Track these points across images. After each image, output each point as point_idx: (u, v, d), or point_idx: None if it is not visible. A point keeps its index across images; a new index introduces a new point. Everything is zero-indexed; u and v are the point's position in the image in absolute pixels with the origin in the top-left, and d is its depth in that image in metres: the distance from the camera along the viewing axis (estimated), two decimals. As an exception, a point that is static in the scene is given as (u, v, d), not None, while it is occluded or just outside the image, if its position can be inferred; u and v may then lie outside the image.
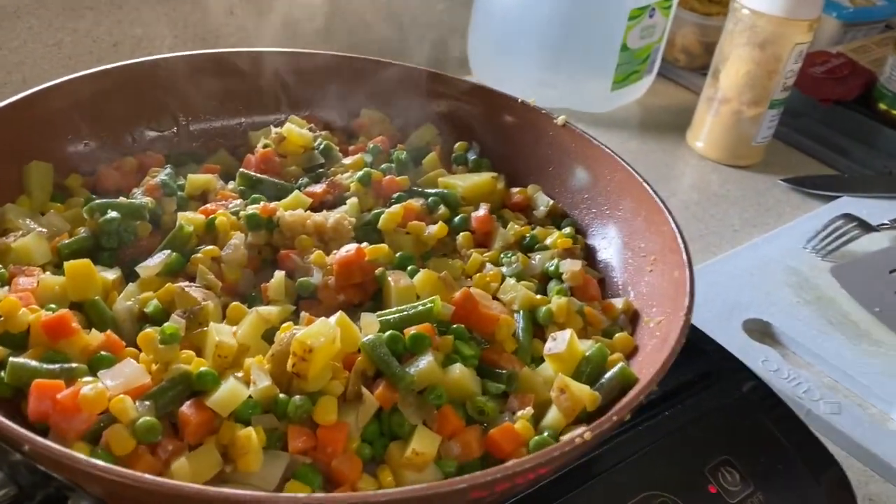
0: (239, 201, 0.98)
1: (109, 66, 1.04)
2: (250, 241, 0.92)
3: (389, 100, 1.17)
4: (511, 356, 0.84)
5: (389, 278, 0.87)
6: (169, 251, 0.88)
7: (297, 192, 0.99)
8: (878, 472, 1.03)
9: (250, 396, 0.73)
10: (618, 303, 0.93)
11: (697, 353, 1.03)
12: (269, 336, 0.80)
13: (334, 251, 0.90)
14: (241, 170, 1.03)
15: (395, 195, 1.03)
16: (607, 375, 0.80)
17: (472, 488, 0.59)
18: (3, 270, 0.82)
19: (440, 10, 1.88)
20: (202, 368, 0.73)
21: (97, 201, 0.91)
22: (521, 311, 0.89)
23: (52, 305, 0.79)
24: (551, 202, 1.08)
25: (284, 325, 0.79)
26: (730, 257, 1.40)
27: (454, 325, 0.83)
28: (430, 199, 1.03)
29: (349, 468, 0.72)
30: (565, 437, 0.72)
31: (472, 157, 1.14)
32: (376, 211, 0.98)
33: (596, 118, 1.81)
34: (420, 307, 0.82)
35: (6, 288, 0.80)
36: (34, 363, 0.72)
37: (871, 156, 1.74)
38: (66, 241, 0.89)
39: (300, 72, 1.15)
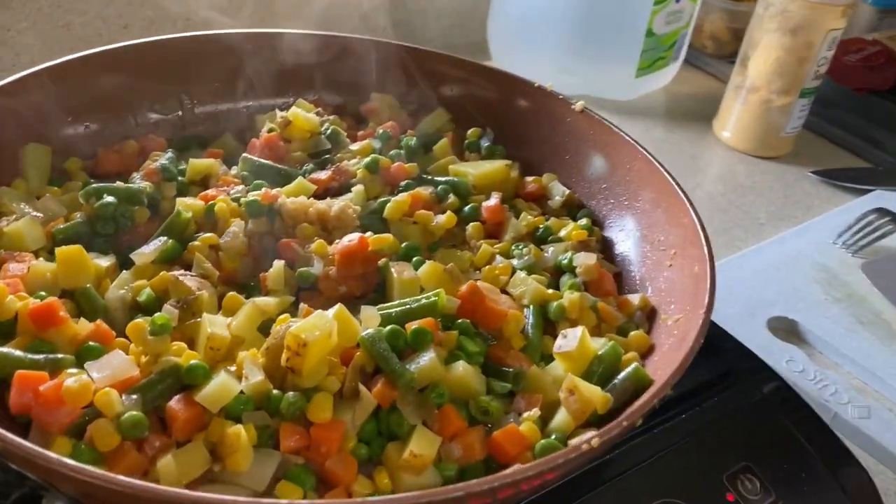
0: (241, 187, 0.94)
1: (111, 46, 1.00)
2: (251, 228, 0.88)
3: (401, 84, 1.13)
4: (519, 354, 0.80)
5: (393, 270, 0.83)
6: (165, 238, 0.85)
7: (300, 178, 0.95)
8: (908, 481, 0.98)
9: (242, 392, 0.69)
10: (634, 299, 0.89)
11: (717, 352, 0.98)
12: (266, 328, 0.76)
13: (337, 240, 0.86)
14: (244, 154, 0.99)
15: (403, 183, 0.99)
16: (620, 376, 0.76)
17: (469, 496, 0.55)
18: (-7, 256, 0.80)
19: (460, -7, 1.83)
20: (192, 361, 0.70)
21: (93, 185, 0.88)
22: (532, 307, 0.85)
23: (42, 293, 0.76)
24: (567, 192, 1.04)
25: (281, 316, 0.75)
26: (755, 252, 1.34)
27: (459, 320, 0.79)
28: (439, 188, 0.99)
29: (343, 469, 0.68)
30: (573, 442, 0.68)
31: (485, 143, 1.10)
32: (382, 199, 0.94)
33: (619, 106, 1.76)
34: (423, 300, 0.78)
35: (-4, 274, 0.78)
36: (18, 353, 0.69)
37: (907, 148, 1.68)
38: (61, 227, 0.86)
39: (309, 54, 1.11)
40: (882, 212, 1.40)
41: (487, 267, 0.90)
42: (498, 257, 0.92)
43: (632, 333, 0.83)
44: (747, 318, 1.18)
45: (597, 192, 1.04)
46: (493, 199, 0.98)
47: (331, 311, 0.73)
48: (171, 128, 1.06)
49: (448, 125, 1.14)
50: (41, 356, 0.69)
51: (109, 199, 0.86)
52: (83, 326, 0.73)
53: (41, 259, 0.81)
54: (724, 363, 0.97)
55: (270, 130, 1.03)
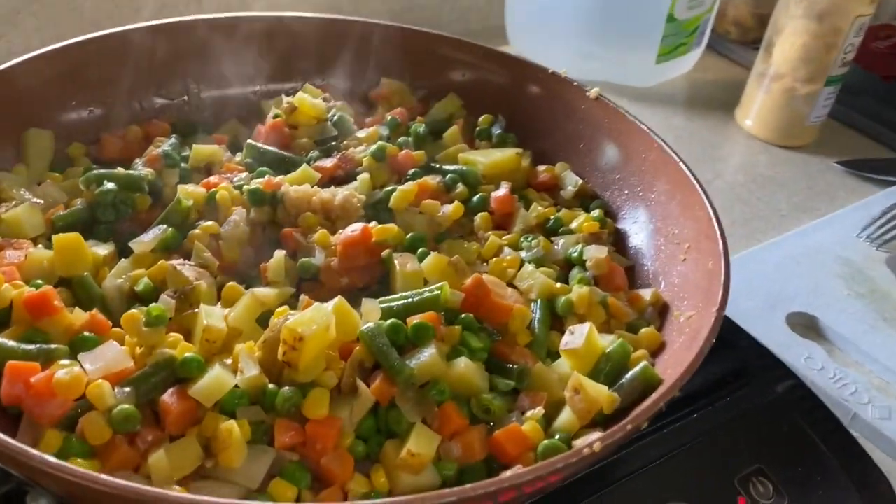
0: (245, 174, 0.93)
1: (116, 29, 0.99)
2: (253, 217, 0.87)
3: (411, 68, 1.11)
4: (524, 350, 0.77)
5: (396, 261, 0.81)
6: (165, 226, 0.83)
7: (305, 165, 0.93)
8: (930, 486, 0.95)
9: (237, 386, 0.68)
10: (646, 294, 0.86)
11: (732, 349, 0.95)
12: (266, 320, 0.74)
13: (340, 230, 0.84)
14: (248, 141, 0.97)
15: (410, 171, 0.97)
16: (628, 375, 0.73)
17: (462, 502, 0.53)
18: (-9, 243, 0.79)
19: (478, -23, 1.80)
20: (187, 354, 0.68)
21: (94, 172, 0.87)
22: (539, 301, 0.82)
23: (39, 281, 0.75)
24: (580, 182, 1.01)
25: (279, 309, 0.73)
26: (776, 244, 1.30)
27: (463, 315, 0.77)
28: (447, 177, 0.96)
29: (339, 467, 0.66)
30: (576, 444, 0.66)
31: (496, 131, 1.07)
32: (388, 188, 0.92)
33: (639, 93, 1.72)
34: (426, 294, 0.76)
35: (-7, 261, 0.76)
36: (11, 343, 0.67)
37: (937, 138, 1.62)
38: (61, 213, 0.84)
39: (319, 38, 1.09)
40: (909, 204, 1.36)
41: (495, 259, 0.87)
42: (506, 249, 0.90)
43: (642, 330, 0.80)
44: (766, 313, 1.15)
45: (611, 182, 1.01)
46: (503, 189, 0.95)
47: (330, 304, 0.71)
48: (177, 113, 1.05)
49: (460, 111, 1.11)
50: (33, 346, 0.68)
51: (109, 185, 0.85)
52: (78, 316, 0.72)
53: (40, 246, 0.80)
54: (738, 361, 0.94)
55: (276, 116, 1.01)
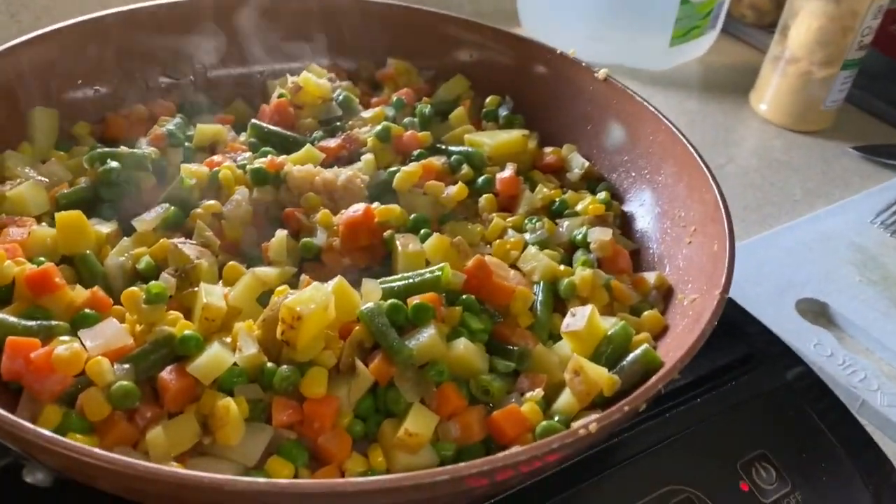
0: (248, 154, 0.92)
1: (123, 8, 0.98)
2: (255, 197, 0.86)
3: (418, 49, 1.10)
4: (525, 332, 0.77)
5: (398, 242, 0.81)
6: (167, 205, 0.83)
7: (309, 146, 0.93)
8: (938, 474, 0.93)
9: (235, 364, 0.68)
10: (650, 277, 0.85)
11: (740, 335, 0.94)
12: (268, 300, 0.74)
13: (343, 211, 0.84)
14: (252, 121, 0.97)
15: (415, 152, 0.96)
16: (629, 358, 0.72)
17: (455, 480, 0.53)
18: (-6, 220, 0.79)
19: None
20: (185, 332, 0.68)
21: (98, 150, 0.87)
22: (542, 283, 0.82)
23: (41, 258, 0.75)
24: (587, 164, 1.00)
25: (279, 288, 0.73)
26: (787, 230, 1.29)
27: (464, 296, 0.76)
28: (452, 158, 0.96)
29: (337, 446, 0.66)
30: (574, 426, 0.65)
31: (503, 112, 1.06)
32: (392, 169, 0.91)
33: (653, 76, 1.70)
34: (427, 275, 0.75)
35: (-4, 238, 0.77)
36: (12, 319, 0.68)
37: (956, 124, 1.59)
38: (65, 192, 0.85)
39: (325, 17, 1.08)
40: (925, 190, 1.34)
41: (498, 241, 0.87)
42: (510, 231, 0.89)
43: (645, 313, 0.80)
44: (775, 298, 1.13)
45: (618, 164, 1.00)
46: (508, 171, 0.94)
47: (330, 284, 0.71)
48: (183, 93, 1.04)
49: (467, 92, 1.10)
50: (34, 323, 0.68)
51: (113, 164, 0.85)
52: (79, 293, 0.72)
53: (44, 224, 0.80)
54: (746, 346, 0.93)
55: (281, 96, 1.00)
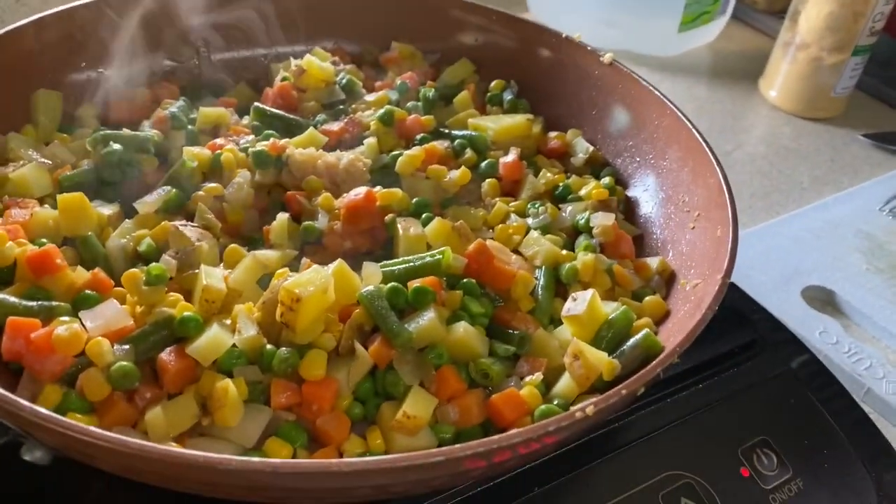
0: (251, 137, 0.92)
1: (125, -10, 0.98)
2: (257, 180, 0.86)
3: (422, 32, 1.09)
4: (525, 316, 0.76)
5: (399, 225, 0.80)
6: (169, 187, 0.83)
7: (311, 129, 0.92)
8: (943, 463, 0.93)
9: (235, 346, 0.68)
10: (653, 262, 0.84)
11: (745, 322, 0.93)
12: (268, 283, 0.74)
13: (345, 194, 0.83)
14: (255, 104, 0.96)
15: (418, 136, 0.96)
16: (630, 343, 0.72)
17: (451, 462, 0.53)
18: (-3, 202, 0.79)
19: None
20: (185, 313, 0.68)
21: (101, 132, 0.87)
22: (544, 268, 0.81)
23: (43, 240, 0.75)
24: (591, 149, 0.99)
25: (280, 271, 0.73)
26: (795, 217, 1.28)
27: (465, 280, 0.76)
28: (456, 142, 0.95)
29: (335, 428, 0.66)
30: (573, 409, 0.65)
31: (508, 97, 1.05)
32: (395, 153, 0.91)
33: (662, 62, 1.69)
34: (428, 258, 0.75)
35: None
36: (12, 299, 0.68)
37: (968, 111, 1.57)
38: (68, 174, 0.85)
39: (330, 0, 1.08)
40: (935, 178, 1.33)
41: (500, 226, 0.86)
42: (513, 216, 0.89)
43: (647, 298, 0.79)
44: (781, 286, 1.13)
45: (622, 149, 0.99)
46: (511, 155, 0.94)
47: (330, 267, 0.71)
48: (187, 75, 1.04)
49: (472, 76, 1.10)
50: (35, 303, 0.68)
51: (116, 146, 0.85)
52: (80, 275, 0.72)
53: (46, 206, 0.80)
54: (750, 333, 0.92)
55: (284, 79, 1.00)
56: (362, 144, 0.93)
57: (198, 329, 0.68)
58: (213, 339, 0.67)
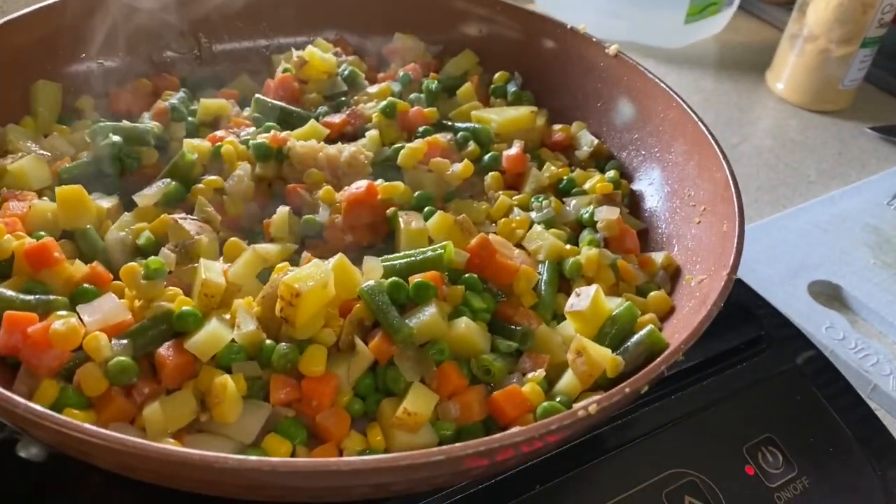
0: (252, 129, 0.91)
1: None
2: (258, 172, 0.85)
3: (426, 23, 1.08)
4: (528, 311, 0.75)
5: (401, 219, 0.79)
6: (168, 180, 0.82)
7: (313, 121, 0.91)
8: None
9: (234, 341, 0.67)
10: (658, 257, 0.83)
11: (750, 318, 0.92)
12: (269, 277, 0.73)
13: (346, 188, 0.82)
14: (256, 95, 0.95)
15: (420, 129, 0.94)
16: (634, 339, 0.71)
17: (451, 461, 0.52)
18: (-5, 195, 0.78)
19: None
20: (183, 308, 0.68)
21: (100, 124, 0.86)
22: (547, 262, 0.80)
23: (41, 233, 0.74)
24: (596, 142, 0.98)
25: (280, 265, 0.72)
26: (801, 211, 1.26)
27: (467, 275, 0.75)
28: (459, 135, 0.94)
29: (335, 424, 0.66)
30: (576, 407, 0.64)
31: (512, 89, 1.04)
32: (397, 146, 0.90)
33: (668, 54, 1.67)
34: (429, 253, 0.74)
35: (-3, 213, 0.76)
36: (10, 293, 0.67)
37: (978, 104, 1.56)
38: (67, 166, 0.84)
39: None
40: (944, 172, 1.31)
41: (504, 220, 0.85)
42: (516, 210, 0.87)
43: (651, 294, 0.78)
44: (788, 281, 1.12)
45: (627, 142, 0.98)
46: (515, 148, 0.93)
47: (330, 261, 0.70)
48: (188, 67, 1.03)
49: (476, 68, 1.08)
50: (32, 297, 0.67)
51: (115, 138, 0.84)
52: (79, 268, 0.72)
53: (45, 198, 0.80)
54: (756, 329, 0.91)
55: (285, 71, 0.99)
56: (364, 137, 0.92)
57: (196, 324, 0.67)
58: (212, 334, 0.66)
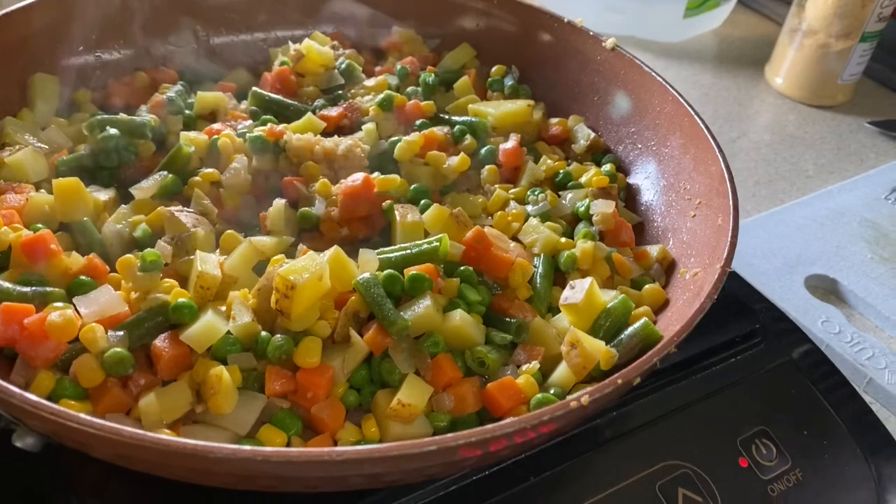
0: (249, 122, 0.91)
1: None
2: (255, 165, 0.86)
3: (424, 17, 1.08)
4: (523, 304, 0.76)
5: (397, 212, 0.80)
6: (165, 172, 0.82)
7: (309, 114, 0.92)
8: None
9: (229, 333, 0.67)
10: (653, 250, 0.84)
11: (745, 311, 0.92)
12: (264, 270, 0.73)
13: (342, 180, 0.83)
14: (253, 89, 0.96)
15: (417, 122, 0.95)
16: (628, 331, 0.71)
17: (444, 451, 0.52)
18: (-8, 187, 0.79)
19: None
20: (180, 300, 0.68)
21: (98, 117, 0.86)
22: (542, 256, 0.81)
23: (39, 225, 0.75)
24: (593, 135, 0.98)
25: (276, 257, 0.73)
26: (799, 205, 1.26)
27: (462, 268, 0.75)
28: (455, 128, 0.94)
29: (330, 415, 0.66)
30: (569, 398, 0.64)
31: (509, 82, 1.04)
32: (393, 139, 0.90)
33: (667, 48, 1.67)
34: (425, 245, 0.74)
35: (-6, 205, 0.77)
36: (6, 284, 0.68)
37: (977, 99, 1.55)
38: (64, 158, 0.84)
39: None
40: (942, 167, 1.31)
41: (500, 213, 0.86)
42: (512, 203, 0.88)
43: (646, 287, 0.78)
44: (784, 275, 1.12)
45: (624, 136, 0.98)
46: (512, 142, 0.93)
47: (326, 254, 0.70)
48: (185, 60, 1.03)
49: (473, 61, 1.09)
50: (29, 289, 0.68)
51: (113, 131, 0.84)
52: (75, 260, 0.72)
53: (42, 191, 0.80)
54: (752, 322, 0.91)
55: (283, 64, 0.99)
56: (361, 130, 0.92)
57: (192, 315, 0.68)
58: (208, 326, 0.67)
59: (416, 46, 1.09)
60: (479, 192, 0.91)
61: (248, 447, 0.49)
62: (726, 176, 0.79)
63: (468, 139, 0.93)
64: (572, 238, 0.84)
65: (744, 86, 1.60)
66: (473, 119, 0.96)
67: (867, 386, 0.98)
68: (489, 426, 0.54)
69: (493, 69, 1.06)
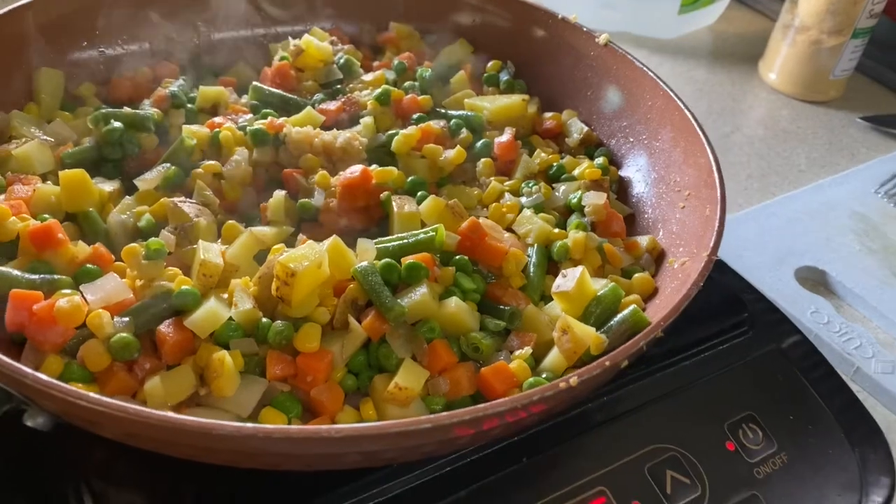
0: (249, 116, 0.93)
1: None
2: (255, 157, 0.88)
3: (421, 13, 1.10)
4: (516, 292, 0.78)
5: (394, 203, 0.82)
6: (168, 164, 0.85)
7: (309, 108, 0.94)
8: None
9: (231, 319, 0.70)
10: (643, 241, 0.86)
11: (735, 302, 0.94)
12: (265, 259, 0.75)
13: (341, 172, 0.85)
14: (253, 83, 0.98)
15: (414, 116, 0.97)
16: (617, 318, 0.73)
17: (439, 429, 0.55)
18: (0, 178, 0.81)
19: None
20: (183, 287, 0.70)
21: (102, 111, 0.88)
22: (536, 246, 0.83)
23: (46, 215, 0.77)
24: (586, 129, 1.00)
25: (276, 246, 0.75)
26: (790, 199, 1.28)
27: (458, 257, 0.78)
28: (452, 122, 0.96)
29: (329, 399, 0.68)
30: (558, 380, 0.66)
31: (504, 77, 1.06)
32: (391, 132, 0.92)
33: (661, 45, 1.69)
34: (421, 235, 0.77)
35: (2, 196, 0.79)
36: (15, 272, 0.70)
37: (967, 94, 1.57)
38: (70, 151, 0.86)
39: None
40: (931, 161, 1.33)
41: (494, 204, 0.88)
42: (507, 195, 0.90)
43: (636, 276, 0.81)
44: (775, 266, 1.14)
45: (616, 130, 1.00)
46: (506, 135, 0.95)
47: (325, 243, 0.72)
48: (187, 55, 1.05)
49: (469, 57, 1.11)
50: (37, 276, 0.70)
51: (117, 124, 0.86)
52: (82, 249, 0.74)
53: (48, 182, 0.82)
54: (741, 313, 0.93)
55: (282, 59, 1.01)
56: (359, 123, 0.94)
57: (195, 302, 0.70)
58: (211, 312, 0.69)
59: (413, 42, 1.11)
60: (474, 185, 0.93)
61: (250, 424, 0.51)
62: (714, 168, 0.82)
63: (464, 133, 0.96)
64: (565, 229, 0.87)
65: (738, 81, 1.62)
66: (469, 113, 0.98)
67: (854, 375, 1.00)
68: (483, 405, 0.56)
69: (489, 64, 1.08)
